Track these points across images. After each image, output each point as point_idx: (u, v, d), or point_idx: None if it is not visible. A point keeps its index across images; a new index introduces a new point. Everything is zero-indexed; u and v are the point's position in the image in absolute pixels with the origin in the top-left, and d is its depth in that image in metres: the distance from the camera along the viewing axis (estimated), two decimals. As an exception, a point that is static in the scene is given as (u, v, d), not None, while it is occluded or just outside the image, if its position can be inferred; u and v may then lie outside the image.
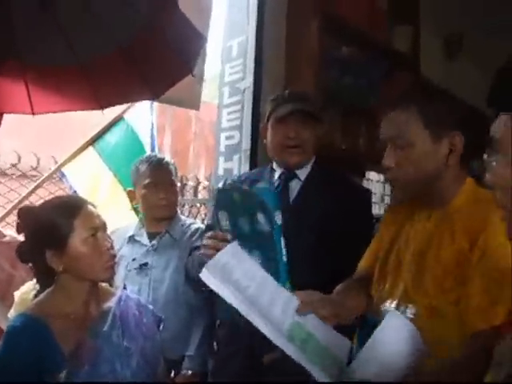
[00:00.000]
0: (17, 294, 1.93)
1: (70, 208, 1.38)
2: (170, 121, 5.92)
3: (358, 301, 1.28)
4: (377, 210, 3.30)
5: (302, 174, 1.76)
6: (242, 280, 1.12)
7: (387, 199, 3.57)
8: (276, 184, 1.76)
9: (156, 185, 2.02)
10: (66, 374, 1.26)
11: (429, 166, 1.19)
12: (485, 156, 0.89)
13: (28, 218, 1.41)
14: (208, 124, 5.89)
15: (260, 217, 1.32)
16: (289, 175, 1.76)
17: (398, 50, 3.03)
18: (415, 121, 1.19)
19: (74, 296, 1.38)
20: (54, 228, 1.35)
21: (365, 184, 3.09)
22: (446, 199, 1.21)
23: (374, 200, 3.54)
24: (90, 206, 1.42)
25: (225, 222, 1.39)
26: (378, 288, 1.30)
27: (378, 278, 1.32)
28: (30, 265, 1.44)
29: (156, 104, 2.63)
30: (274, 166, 1.81)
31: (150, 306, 1.58)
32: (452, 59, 3.88)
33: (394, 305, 1.20)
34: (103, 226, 1.41)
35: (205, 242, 1.47)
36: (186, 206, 3.07)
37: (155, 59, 1.60)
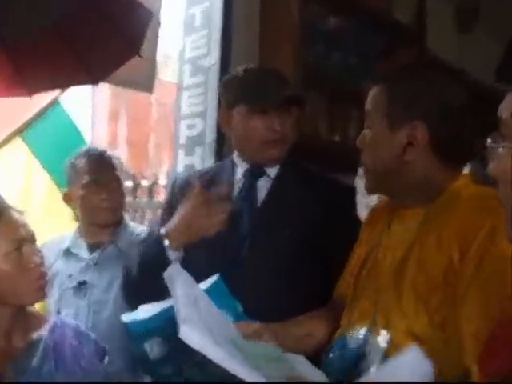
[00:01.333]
0: None
1: None
2: (125, 105, 5.89)
3: (314, 330, 1.33)
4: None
5: (271, 170, 1.74)
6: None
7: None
8: (240, 184, 1.74)
9: (97, 183, 2.01)
10: None
11: (383, 155, 1.22)
12: (488, 141, 0.88)
13: None
14: (172, 108, 5.89)
15: None
16: (257, 172, 1.74)
17: (399, 20, 3.04)
18: (380, 101, 1.22)
19: None
20: None
21: (357, 182, 3.11)
22: (425, 199, 1.22)
23: (370, 203, 3.57)
24: (13, 213, 1.41)
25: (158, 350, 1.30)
26: (348, 311, 1.31)
27: (350, 299, 1.33)
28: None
29: (106, 85, 2.63)
30: (236, 160, 1.78)
31: (92, 335, 1.58)
32: (465, 32, 3.92)
33: (363, 330, 1.19)
34: (31, 238, 1.40)
35: None
36: (140, 212, 3.06)
37: (94, 39, 1.61)
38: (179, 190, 1.80)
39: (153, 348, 1.25)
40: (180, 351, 1.26)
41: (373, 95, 1.25)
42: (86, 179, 2.01)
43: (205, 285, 1.34)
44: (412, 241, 1.19)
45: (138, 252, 1.72)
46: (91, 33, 1.63)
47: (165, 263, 1.54)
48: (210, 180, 1.77)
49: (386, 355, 1.10)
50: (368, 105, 1.26)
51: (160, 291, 1.63)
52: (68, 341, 1.48)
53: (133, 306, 1.82)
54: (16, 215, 1.41)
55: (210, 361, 1.05)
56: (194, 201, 1.56)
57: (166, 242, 1.59)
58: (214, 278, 1.35)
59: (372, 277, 1.27)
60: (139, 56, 1.65)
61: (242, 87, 1.73)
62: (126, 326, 1.27)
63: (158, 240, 1.62)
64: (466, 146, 1.23)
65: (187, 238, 1.58)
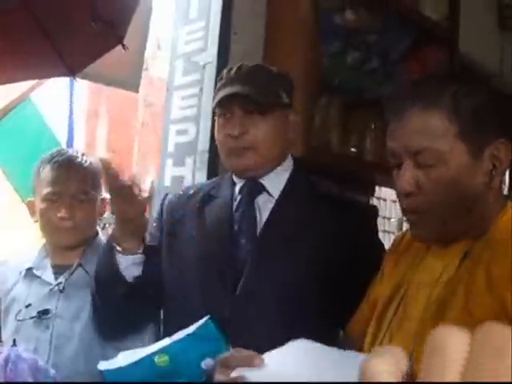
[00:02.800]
0: None
1: None
2: (106, 104, 5.93)
3: None
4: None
5: (273, 185, 1.76)
6: None
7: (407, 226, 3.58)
8: (237, 202, 1.77)
9: (58, 197, 1.98)
10: None
11: (466, 189, 1.19)
12: None
13: None
14: (161, 109, 5.93)
15: None
16: (253, 188, 1.76)
17: (428, 17, 3.07)
18: (447, 127, 1.18)
19: None
20: None
21: (376, 205, 3.13)
22: (479, 230, 1.20)
23: (388, 228, 3.58)
24: None
25: None
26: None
27: (370, 341, 1.32)
28: None
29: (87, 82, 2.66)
30: (233, 176, 1.81)
31: (52, 371, 1.60)
32: (506, 31, 3.94)
33: None
34: None
35: None
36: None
37: (70, 22, 1.62)
38: (169, 210, 1.85)
39: None
40: None
41: (424, 124, 1.19)
42: (47, 190, 1.98)
43: (192, 328, 1.35)
44: (455, 280, 1.18)
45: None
46: (65, 15, 1.65)
47: (116, 271, 1.68)
48: (204, 198, 1.81)
49: None
50: (419, 138, 1.19)
51: (123, 308, 1.74)
52: (22, 377, 1.50)
53: (104, 335, 1.86)
54: None
55: None
56: (113, 196, 1.66)
57: (117, 248, 1.68)
58: (203, 320, 1.36)
59: (402, 317, 1.26)
60: (123, 47, 1.66)
61: (217, 86, 1.77)
62: (102, 375, 1.29)
63: (108, 247, 1.71)
64: None
65: (129, 233, 1.68)
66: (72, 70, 1.85)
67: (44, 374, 1.56)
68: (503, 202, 1.24)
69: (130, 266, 1.70)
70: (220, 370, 1.16)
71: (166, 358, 1.29)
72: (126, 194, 1.62)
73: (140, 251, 1.71)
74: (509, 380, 0.32)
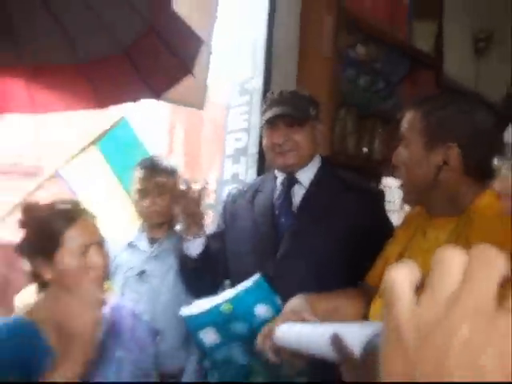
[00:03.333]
0: (17, 298, 1.99)
1: (65, 218, 1.36)
2: (182, 119, 5.98)
3: (341, 306, 1.32)
4: (395, 219, 3.29)
5: (305, 177, 1.76)
6: None
7: (407, 207, 3.55)
8: (278, 191, 1.78)
9: (142, 191, 2.05)
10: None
11: (419, 173, 1.22)
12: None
13: (29, 216, 1.41)
14: (222, 123, 5.95)
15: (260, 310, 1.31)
16: (290, 180, 1.77)
17: (419, 48, 3.03)
18: (416, 123, 1.22)
19: (65, 304, 1.35)
20: (45, 236, 1.34)
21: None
22: (454, 212, 1.21)
23: (392, 208, 3.54)
24: (87, 218, 1.40)
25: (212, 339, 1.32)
26: (376, 302, 1.28)
27: (380, 294, 1.30)
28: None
29: (166, 104, 2.67)
30: (276, 171, 1.83)
31: (145, 317, 1.60)
32: (480, 58, 3.86)
33: None
34: (99, 242, 1.40)
35: None
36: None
37: (154, 60, 1.65)
38: (230, 203, 1.90)
39: (206, 337, 1.29)
40: (230, 340, 1.29)
41: (410, 118, 1.25)
42: (136, 186, 2.07)
43: (248, 282, 1.36)
44: (444, 244, 1.17)
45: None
46: (152, 56, 1.68)
47: (184, 254, 1.78)
48: (255, 190, 1.84)
49: None
50: (405, 126, 1.26)
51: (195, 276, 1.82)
52: (125, 321, 1.50)
53: (194, 296, 1.90)
54: (89, 220, 1.40)
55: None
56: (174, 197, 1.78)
57: (185, 236, 1.77)
58: (255, 277, 1.37)
59: None
60: (192, 75, 1.70)
61: (264, 106, 1.81)
62: (184, 319, 1.31)
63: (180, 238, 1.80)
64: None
65: (189, 221, 1.75)
66: (155, 94, 1.89)
67: (139, 320, 1.54)
68: (480, 189, 1.20)
69: (194, 246, 1.77)
70: (261, 338, 1.14)
71: (229, 306, 1.29)
72: (184, 195, 1.71)
73: (202, 235, 1.77)
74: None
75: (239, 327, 1.28)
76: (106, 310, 1.46)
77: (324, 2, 2.44)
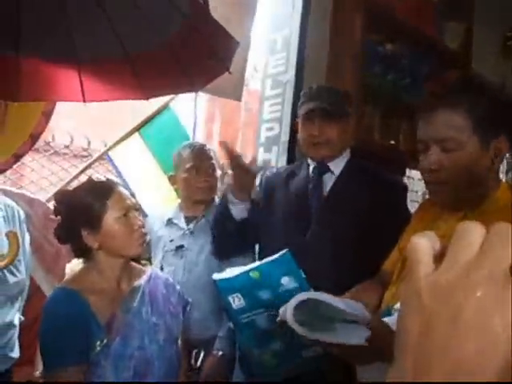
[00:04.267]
0: (69, 267, 2.11)
1: (103, 190, 1.49)
2: (219, 109, 6.04)
3: (370, 301, 1.30)
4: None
5: (336, 167, 1.81)
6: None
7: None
8: (311, 177, 1.83)
9: (197, 168, 2.12)
10: (101, 343, 1.37)
11: (475, 171, 1.17)
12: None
13: (63, 200, 1.52)
14: (257, 113, 5.98)
15: (285, 280, 1.35)
16: (322, 169, 1.82)
17: (447, 47, 3.00)
18: (465, 123, 1.16)
19: (107, 272, 1.48)
20: (88, 209, 1.45)
21: (406, 182, 3.11)
22: (478, 203, 1.19)
23: (415, 198, 3.54)
24: (121, 188, 1.53)
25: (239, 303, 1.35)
26: (393, 286, 1.30)
27: (396, 276, 1.32)
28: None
29: (206, 94, 2.75)
30: (309, 160, 1.88)
31: (178, 287, 1.67)
32: (509, 57, 3.78)
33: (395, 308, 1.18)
34: (134, 206, 1.52)
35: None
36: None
37: (196, 58, 1.72)
38: (267, 181, 1.95)
39: (234, 300, 1.35)
40: (255, 306, 1.36)
41: (448, 119, 1.17)
42: (189, 165, 2.13)
43: (275, 256, 1.42)
44: None
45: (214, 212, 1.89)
46: (194, 53, 1.74)
47: (229, 212, 1.79)
48: (289, 174, 1.89)
49: None
50: (444, 129, 1.17)
51: (233, 241, 1.84)
52: (160, 289, 1.58)
53: (222, 257, 1.95)
54: (122, 189, 1.53)
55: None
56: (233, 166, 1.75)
57: (231, 197, 1.78)
58: (284, 252, 1.43)
59: None
60: (229, 72, 1.77)
61: (301, 100, 1.86)
62: (215, 283, 1.38)
63: (224, 198, 1.82)
64: None
65: (243, 189, 1.78)
66: (195, 88, 1.95)
67: (172, 288, 1.63)
68: (498, 182, 1.22)
69: (240, 210, 1.81)
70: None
71: (257, 273, 1.34)
72: (242, 166, 1.74)
73: (248, 201, 1.82)
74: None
75: (265, 294, 1.33)
76: (144, 280, 1.56)
77: (354, 1, 2.45)
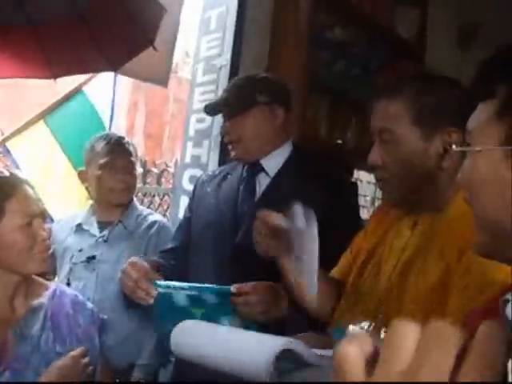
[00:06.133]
0: None
1: (4, 188, 1.36)
2: (144, 99, 5.92)
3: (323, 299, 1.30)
4: (365, 214, 3.34)
5: (270, 166, 1.77)
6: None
7: (379, 203, 3.61)
8: (243, 178, 1.79)
9: (113, 165, 2.03)
10: None
11: (417, 167, 1.16)
12: (453, 147, 0.90)
13: None
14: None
15: None
16: (254, 168, 1.78)
17: (401, 36, 3.04)
18: (404, 114, 1.16)
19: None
20: None
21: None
22: (438, 206, 1.18)
23: (363, 203, 3.59)
24: (28, 188, 1.41)
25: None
26: (348, 302, 1.29)
27: (351, 291, 1.31)
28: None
29: (129, 79, 2.66)
30: None
31: (89, 305, 1.59)
32: (464, 48, 3.91)
33: (366, 325, 1.12)
34: (41, 214, 1.41)
35: (126, 268, 1.53)
36: (149, 197, 3.09)
37: (113, 28, 1.64)
38: (200, 186, 1.91)
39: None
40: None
41: (387, 109, 1.18)
42: (104, 160, 2.03)
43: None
44: (417, 247, 1.17)
45: None
46: (109, 23, 1.67)
47: None
48: (224, 176, 1.85)
49: None
50: (383, 120, 1.19)
51: None
52: (64, 310, 1.49)
53: None
54: (29, 190, 1.41)
55: None
56: None
57: None
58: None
59: (373, 276, 1.25)
60: (153, 48, 1.69)
61: None
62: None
63: None
64: None
65: None
66: (114, 66, 1.88)
67: (82, 307, 1.54)
68: None
69: None
70: None
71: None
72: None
73: None
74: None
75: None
76: (46, 298, 1.44)
77: (302, -23, 2.43)
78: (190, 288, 1.36)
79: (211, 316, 1.32)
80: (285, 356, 0.97)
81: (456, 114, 1.13)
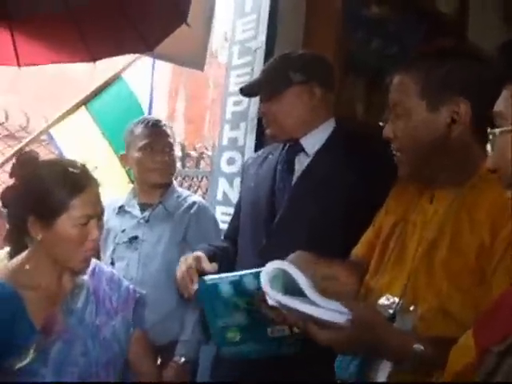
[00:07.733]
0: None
1: (73, 184, 1.38)
2: (184, 84, 5.98)
3: (340, 275, 1.32)
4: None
5: (310, 145, 1.76)
6: None
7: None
8: (282, 158, 1.81)
9: (152, 147, 2.09)
10: (35, 349, 1.32)
11: (425, 138, 1.17)
12: (489, 130, 0.88)
13: (27, 168, 1.43)
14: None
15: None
16: (294, 148, 1.79)
17: (440, 11, 2.99)
18: (413, 87, 1.17)
19: (47, 268, 1.42)
20: (47, 197, 1.36)
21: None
22: (459, 179, 1.17)
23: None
24: (94, 188, 1.43)
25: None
26: (373, 278, 1.29)
27: (374, 267, 1.31)
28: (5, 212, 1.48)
29: (169, 66, 2.69)
30: None
31: (125, 282, 1.62)
32: (509, 25, 3.81)
33: (393, 300, 1.17)
34: (99, 215, 1.43)
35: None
36: (188, 180, 3.13)
37: (146, 7, 1.67)
38: (246, 169, 1.95)
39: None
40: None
41: (400, 83, 1.20)
42: (142, 143, 2.10)
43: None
44: (443, 222, 1.16)
45: None
46: (144, 3, 1.70)
47: None
48: (265, 157, 1.88)
49: (415, 329, 1.10)
50: (396, 94, 1.21)
51: None
52: (103, 286, 1.54)
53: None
54: (95, 190, 1.43)
55: None
56: None
57: None
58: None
59: (400, 250, 1.24)
60: (186, 24, 1.72)
61: None
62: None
63: None
64: None
65: None
66: (149, 45, 1.90)
67: (117, 284, 1.58)
68: (484, 154, 1.13)
69: None
70: None
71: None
72: None
73: None
74: None
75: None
76: (87, 275, 1.51)
77: (336, -45, 2.43)
78: (233, 276, 1.34)
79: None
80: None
81: (466, 85, 1.14)
